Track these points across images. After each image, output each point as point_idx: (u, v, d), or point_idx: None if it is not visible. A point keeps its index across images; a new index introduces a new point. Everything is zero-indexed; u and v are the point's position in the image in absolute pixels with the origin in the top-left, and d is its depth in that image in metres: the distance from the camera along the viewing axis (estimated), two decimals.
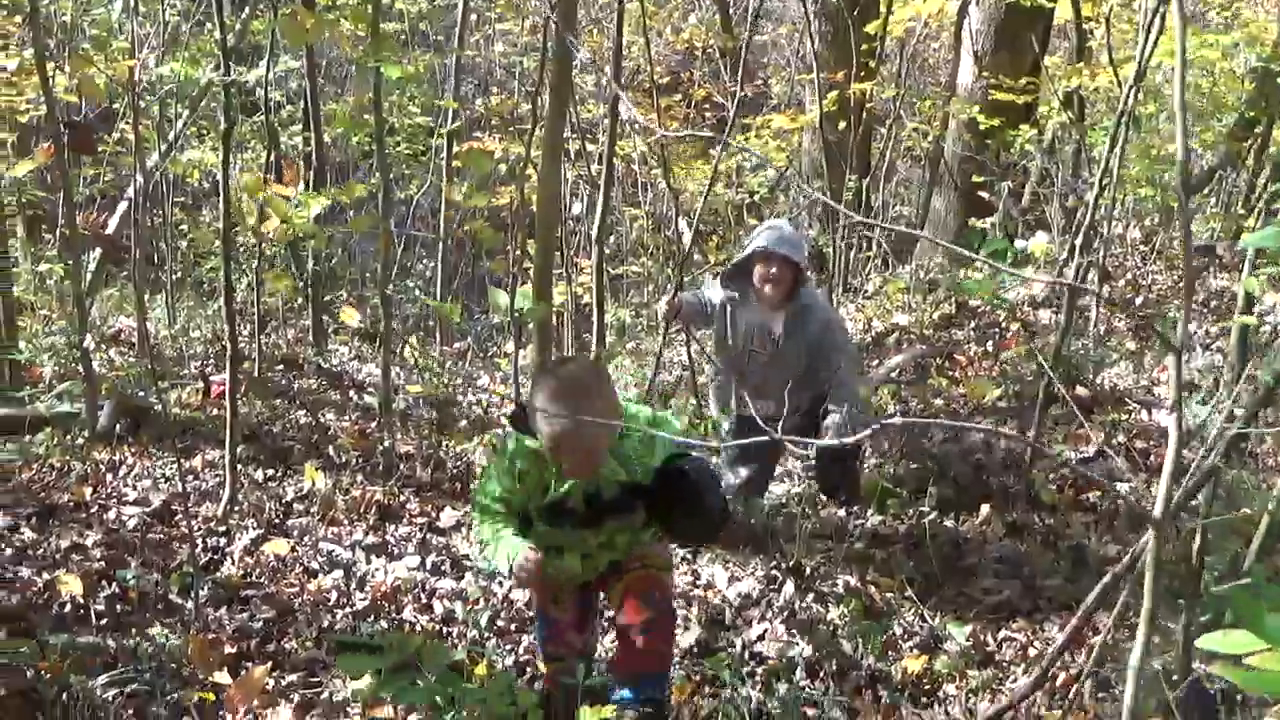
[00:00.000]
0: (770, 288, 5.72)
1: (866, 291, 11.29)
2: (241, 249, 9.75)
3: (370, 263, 12.56)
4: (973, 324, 9.37)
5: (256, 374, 7.96)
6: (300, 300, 10.27)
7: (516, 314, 5.56)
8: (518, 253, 6.96)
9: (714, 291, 6.01)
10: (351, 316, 6.38)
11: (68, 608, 4.25)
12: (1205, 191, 11.20)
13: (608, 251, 7.75)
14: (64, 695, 3.53)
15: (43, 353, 7.28)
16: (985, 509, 5.77)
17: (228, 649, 4.09)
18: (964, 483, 6.07)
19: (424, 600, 4.78)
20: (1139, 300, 9.22)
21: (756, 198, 13.23)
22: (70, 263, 6.71)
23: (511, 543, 3.61)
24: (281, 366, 8.87)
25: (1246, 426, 2.66)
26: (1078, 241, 5.92)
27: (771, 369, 5.83)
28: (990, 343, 8.67)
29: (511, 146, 10.46)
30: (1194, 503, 4.03)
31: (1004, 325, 9.02)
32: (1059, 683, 4.06)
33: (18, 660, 3.63)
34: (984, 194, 10.70)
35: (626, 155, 12.00)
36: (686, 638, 4.39)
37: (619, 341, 9.21)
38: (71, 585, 4.29)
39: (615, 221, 11.95)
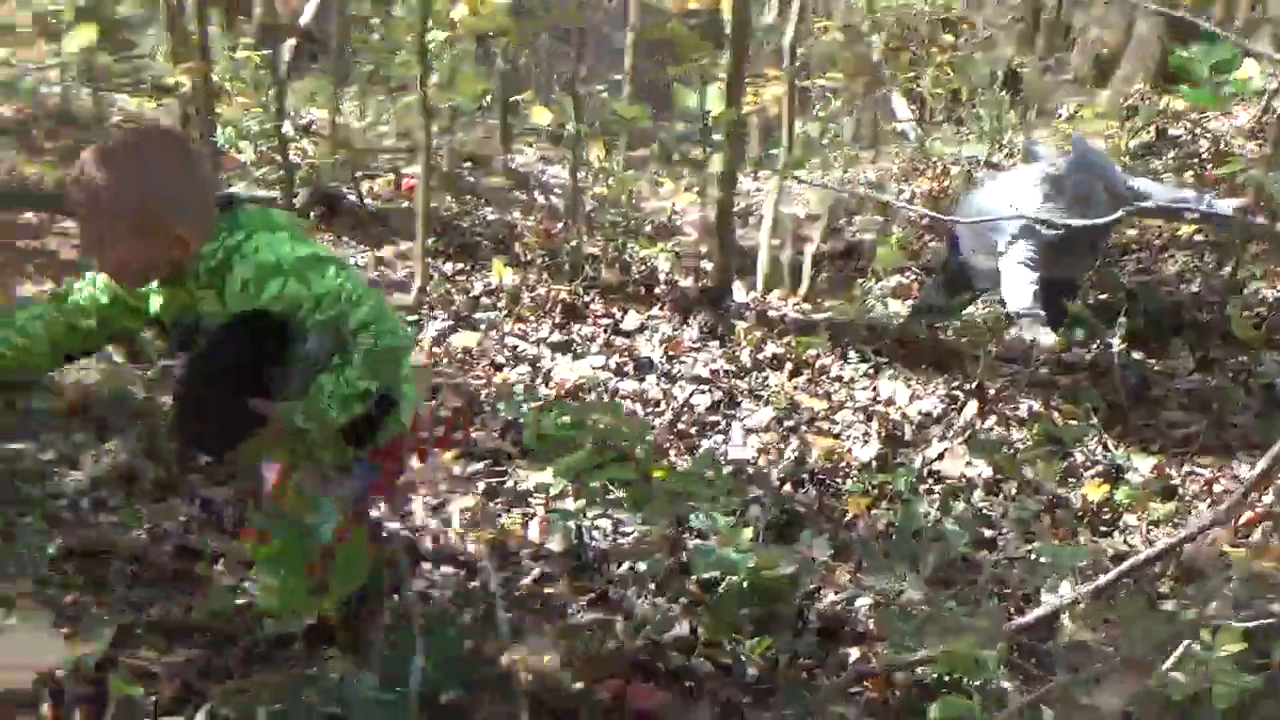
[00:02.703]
0: None
1: (1060, 116, 10.92)
2: (433, 45, 9.78)
3: (559, 65, 12.51)
4: (1172, 153, 9.01)
5: (446, 170, 8.06)
6: (489, 100, 10.30)
7: (705, 115, 5.54)
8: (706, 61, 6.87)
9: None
10: (542, 114, 6.39)
11: None
12: None
13: (798, 64, 7.60)
14: None
15: (240, 139, 7.40)
16: (1176, 342, 5.64)
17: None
18: (1156, 315, 5.92)
19: (605, 399, 4.86)
20: None
21: (952, 12, 12.81)
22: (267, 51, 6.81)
23: None
24: (469, 164, 8.95)
25: None
26: None
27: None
28: (1190, 173, 8.34)
29: None
30: None
31: (1206, 155, 8.64)
32: (1242, 521, 3.99)
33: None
34: (1190, 16, 10.18)
35: None
36: (866, 451, 4.40)
37: (806, 153, 9.06)
38: None
39: (807, 34, 11.68)
